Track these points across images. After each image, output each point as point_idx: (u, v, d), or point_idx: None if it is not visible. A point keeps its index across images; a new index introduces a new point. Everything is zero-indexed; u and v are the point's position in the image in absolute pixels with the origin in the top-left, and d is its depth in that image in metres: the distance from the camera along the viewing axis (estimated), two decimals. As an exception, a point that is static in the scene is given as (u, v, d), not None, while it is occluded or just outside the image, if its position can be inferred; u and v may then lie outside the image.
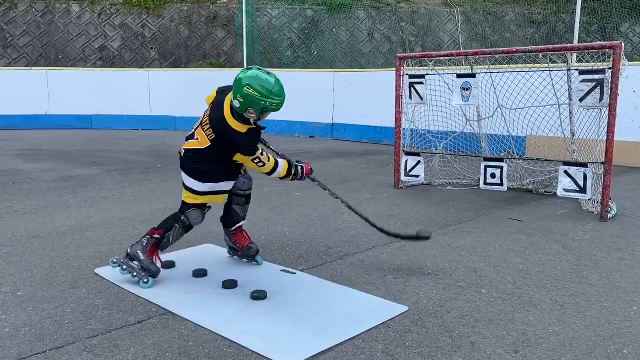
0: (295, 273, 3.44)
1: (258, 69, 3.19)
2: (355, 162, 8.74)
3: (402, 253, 3.88)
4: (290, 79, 13.38)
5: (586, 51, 5.28)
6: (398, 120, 6.38)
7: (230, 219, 3.66)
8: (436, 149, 6.70)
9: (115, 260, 3.31)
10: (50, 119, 14.28)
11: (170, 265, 3.52)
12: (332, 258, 3.76)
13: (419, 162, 6.31)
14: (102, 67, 16.20)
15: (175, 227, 3.35)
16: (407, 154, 6.40)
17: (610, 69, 4.80)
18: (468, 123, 6.61)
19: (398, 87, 6.30)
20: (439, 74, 6.43)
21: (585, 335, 2.59)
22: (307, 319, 2.75)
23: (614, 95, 4.76)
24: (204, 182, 3.32)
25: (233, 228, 3.67)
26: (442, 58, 6.26)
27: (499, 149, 6.94)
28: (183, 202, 3.41)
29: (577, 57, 6.98)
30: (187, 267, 3.48)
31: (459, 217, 4.99)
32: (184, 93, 13.86)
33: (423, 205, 5.49)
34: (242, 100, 3.09)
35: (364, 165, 8.37)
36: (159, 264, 3.30)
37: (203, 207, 3.41)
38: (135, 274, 3.22)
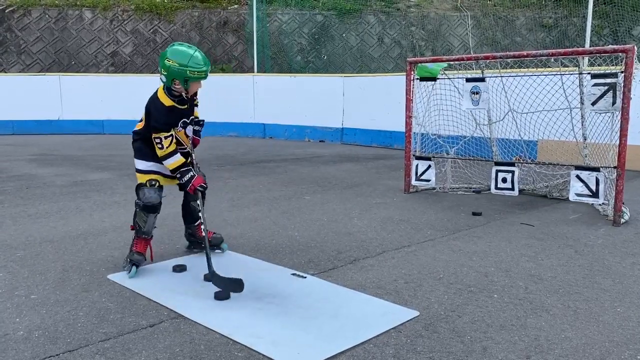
0: (305, 277, 3.44)
1: (179, 43, 3.43)
2: (365, 166, 8.73)
3: (412, 257, 3.87)
4: (300, 83, 13.59)
5: (598, 55, 5.25)
6: (408, 124, 6.38)
7: (190, 215, 3.80)
8: (447, 154, 6.68)
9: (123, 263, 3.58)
10: (63, 124, 14.42)
11: (181, 269, 3.54)
12: (342, 262, 3.76)
13: (429, 167, 6.29)
14: (114, 72, 16.35)
15: (136, 212, 3.55)
16: (418, 158, 6.38)
17: (622, 72, 4.77)
18: (478, 127, 6.59)
19: (408, 92, 6.30)
20: (449, 78, 6.43)
21: (598, 341, 2.57)
22: (318, 323, 2.75)
23: (626, 99, 4.73)
24: (146, 160, 3.53)
25: (195, 224, 3.80)
26: (452, 62, 6.25)
27: (510, 153, 6.91)
28: (137, 184, 3.58)
29: (589, 60, 6.94)
30: (198, 271, 3.50)
31: (470, 222, 4.97)
32: (195, 98, 13.95)
33: (434, 210, 5.47)
34: (165, 73, 3.32)
35: (374, 169, 8.36)
36: (145, 254, 3.54)
37: (151, 184, 3.53)
38: (125, 266, 3.50)
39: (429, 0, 17.90)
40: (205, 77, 3.40)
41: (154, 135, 3.40)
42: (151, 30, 17.00)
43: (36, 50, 16.40)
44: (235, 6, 17.74)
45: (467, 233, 4.58)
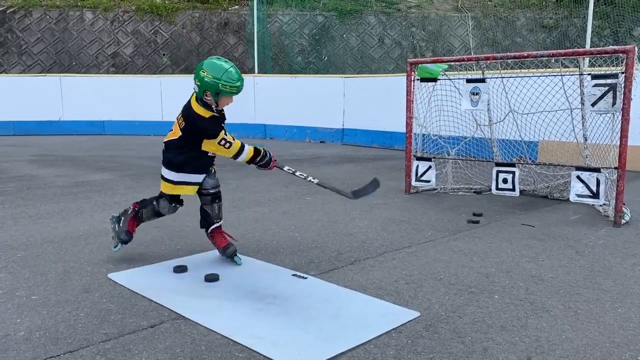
0: (306, 278, 3.44)
1: (217, 58, 3.49)
2: (366, 167, 8.73)
3: (413, 258, 3.87)
4: (300, 84, 13.61)
5: (598, 55, 5.25)
6: (409, 125, 6.38)
7: (204, 220, 3.80)
8: (448, 154, 6.68)
9: (112, 217, 3.80)
10: (64, 125, 14.44)
11: (182, 269, 3.54)
12: (343, 263, 3.76)
13: (429, 167, 6.29)
14: (115, 73, 16.36)
15: (149, 207, 3.74)
16: (418, 158, 6.38)
17: (623, 73, 4.77)
18: (479, 128, 6.59)
19: (409, 92, 6.30)
20: (450, 79, 6.43)
21: (599, 342, 2.57)
22: (319, 324, 2.75)
23: (627, 99, 4.73)
24: (177, 172, 3.59)
25: (209, 230, 3.80)
26: (453, 63, 6.25)
27: (511, 154, 6.91)
28: (161, 191, 3.71)
29: (589, 61, 6.94)
30: (199, 272, 3.50)
31: (471, 223, 4.97)
32: (196, 99, 13.96)
33: (434, 211, 5.47)
34: (199, 83, 3.38)
35: (375, 170, 8.36)
36: (132, 233, 3.74)
37: (174, 200, 3.69)
38: (113, 235, 3.74)
39: (429, 1, 17.91)
40: (237, 93, 3.44)
41: (216, 141, 3.46)
42: (152, 31, 17.02)
43: (37, 51, 16.42)
44: (236, 7, 17.75)
45: (467, 234, 4.58)
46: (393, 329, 2.69)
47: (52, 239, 4.32)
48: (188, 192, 3.66)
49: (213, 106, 3.46)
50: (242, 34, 17.16)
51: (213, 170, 3.79)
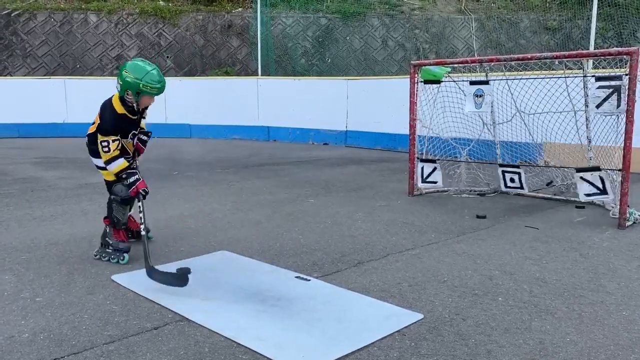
0: (309, 280, 3.44)
1: (141, 60, 3.71)
2: (369, 169, 8.73)
3: (416, 261, 3.87)
4: (304, 86, 13.59)
5: (602, 57, 5.23)
6: (412, 127, 6.37)
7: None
8: (457, 157, 6.67)
9: (95, 253, 3.85)
10: (68, 127, 14.46)
11: (185, 271, 3.54)
12: (346, 265, 3.75)
13: (435, 169, 6.28)
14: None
15: (114, 206, 3.84)
16: (423, 160, 6.38)
17: (627, 75, 4.75)
18: (485, 127, 6.57)
19: (412, 94, 6.30)
20: (454, 81, 6.42)
21: (603, 345, 2.56)
22: (322, 326, 2.75)
23: (631, 101, 4.71)
24: (99, 158, 3.75)
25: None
26: (456, 65, 6.25)
27: (516, 155, 6.89)
28: (105, 181, 3.87)
29: (593, 63, 6.93)
30: (202, 274, 3.50)
31: (475, 225, 4.96)
32: (199, 101, 13.99)
33: (438, 213, 5.46)
34: (121, 82, 3.59)
35: (378, 172, 8.36)
36: (126, 241, 3.86)
37: (121, 180, 3.75)
38: (113, 257, 3.75)
39: (432, 3, 17.91)
40: (157, 94, 3.64)
41: (101, 139, 3.66)
42: (156, 34, 17.06)
43: (41, 54, 16.48)
44: (240, 9, 17.79)
45: (471, 236, 4.57)
46: (396, 332, 2.68)
47: (56, 241, 4.33)
48: (108, 178, 3.85)
49: (134, 105, 3.65)
50: (245, 37, 17.19)
51: (139, 172, 3.78)
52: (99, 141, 3.66)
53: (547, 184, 6.16)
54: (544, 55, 5.51)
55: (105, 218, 3.94)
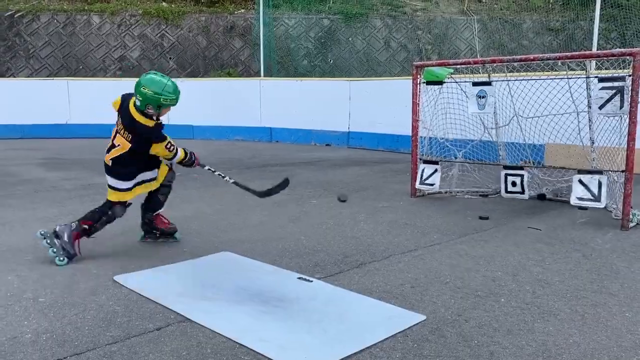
0: (312, 281, 3.44)
1: (154, 73, 3.93)
2: (372, 170, 8.73)
3: (419, 261, 3.87)
4: (306, 87, 13.60)
5: (605, 58, 5.23)
6: (415, 128, 6.37)
7: (152, 206, 4.23)
8: (455, 158, 6.66)
9: (42, 233, 3.81)
10: (71, 128, 14.50)
11: (187, 272, 3.55)
12: (348, 266, 3.75)
13: (435, 171, 6.28)
14: (122, 77, 16.43)
15: (102, 219, 3.94)
16: (425, 162, 6.37)
17: (630, 76, 4.74)
18: (486, 131, 6.57)
19: (415, 95, 6.30)
20: (456, 82, 6.42)
21: (606, 346, 2.55)
22: (324, 327, 2.75)
23: (634, 102, 4.70)
24: (130, 180, 3.94)
25: (154, 214, 4.24)
26: (459, 66, 6.24)
27: (518, 157, 6.88)
28: (108, 200, 3.99)
29: (596, 64, 6.91)
30: (205, 275, 3.51)
31: (477, 226, 4.96)
32: (202, 102, 14.00)
33: (440, 214, 5.46)
34: (141, 99, 3.80)
35: (380, 173, 8.36)
36: (77, 249, 3.80)
37: (125, 204, 4.03)
38: (55, 249, 3.72)
39: (435, 4, 17.90)
40: (175, 104, 3.93)
41: (164, 144, 3.92)
42: (158, 35, 17.10)
43: (45, 55, 16.52)
44: (242, 11, 17.81)
45: (474, 237, 4.57)
46: (399, 333, 2.68)
47: (59, 241, 4.33)
48: (146, 190, 4.09)
49: (154, 117, 3.88)
50: (248, 38, 17.20)
51: (171, 166, 4.21)
52: (162, 146, 3.90)
53: (539, 197, 6.14)
54: (546, 56, 5.50)
55: (83, 219, 3.90)
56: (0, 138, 13.59)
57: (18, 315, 2.88)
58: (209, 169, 4.31)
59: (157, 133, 3.91)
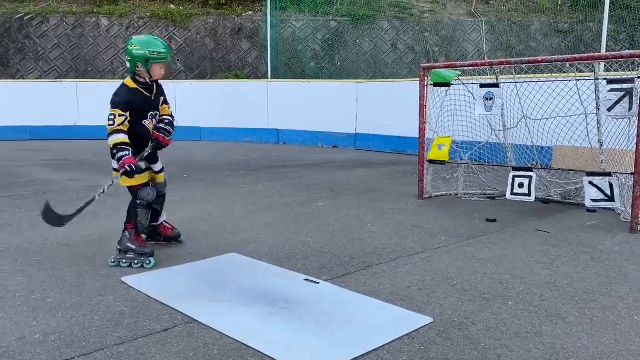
0: (319, 283, 3.44)
1: (145, 35, 3.91)
2: (379, 172, 8.72)
3: (426, 264, 3.86)
4: (314, 89, 13.60)
5: (614, 60, 5.19)
6: (422, 130, 6.36)
7: (154, 217, 4.17)
8: (461, 159, 6.64)
9: (113, 260, 3.77)
10: (79, 130, 14.58)
11: (193, 273, 3.56)
12: (355, 268, 3.75)
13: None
14: (130, 78, 16.51)
15: (139, 211, 3.88)
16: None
17: (639, 77, 4.72)
18: (493, 133, 6.55)
19: (422, 97, 6.29)
20: (464, 84, 6.40)
21: (615, 350, 2.53)
22: (331, 329, 2.75)
23: (643, 104, 4.67)
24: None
25: (157, 223, 4.23)
26: (466, 68, 6.23)
27: (525, 159, 6.85)
28: (128, 188, 3.92)
29: (605, 66, 6.87)
30: (212, 276, 3.51)
31: (485, 228, 4.94)
32: (210, 104, 14.05)
33: (447, 216, 5.44)
34: (129, 58, 3.73)
35: (387, 175, 8.35)
36: (147, 243, 3.92)
37: (147, 183, 3.96)
38: (136, 261, 3.72)
39: (443, 6, 17.88)
40: (165, 60, 3.75)
41: (110, 111, 3.67)
42: (166, 37, 17.17)
43: (54, 57, 16.65)
44: (250, 13, 17.86)
45: (481, 239, 4.55)
46: (405, 335, 2.67)
47: (67, 242, 4.37)
48: (143, 180, 3.92)
49: (147, 78, 3.77)
50: (255, 40, 17.25)
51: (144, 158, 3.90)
52: (108, 115, 3.67)
53: (543, 201, 6.09)
54: (555, 58, 5.48)
55: (127, 222, 3.90)
56: (9, 139, 13.70)
57: (27, 316, 2.90)
58: (107, 187, 3.83)
59: (120, 94, 3.71)
